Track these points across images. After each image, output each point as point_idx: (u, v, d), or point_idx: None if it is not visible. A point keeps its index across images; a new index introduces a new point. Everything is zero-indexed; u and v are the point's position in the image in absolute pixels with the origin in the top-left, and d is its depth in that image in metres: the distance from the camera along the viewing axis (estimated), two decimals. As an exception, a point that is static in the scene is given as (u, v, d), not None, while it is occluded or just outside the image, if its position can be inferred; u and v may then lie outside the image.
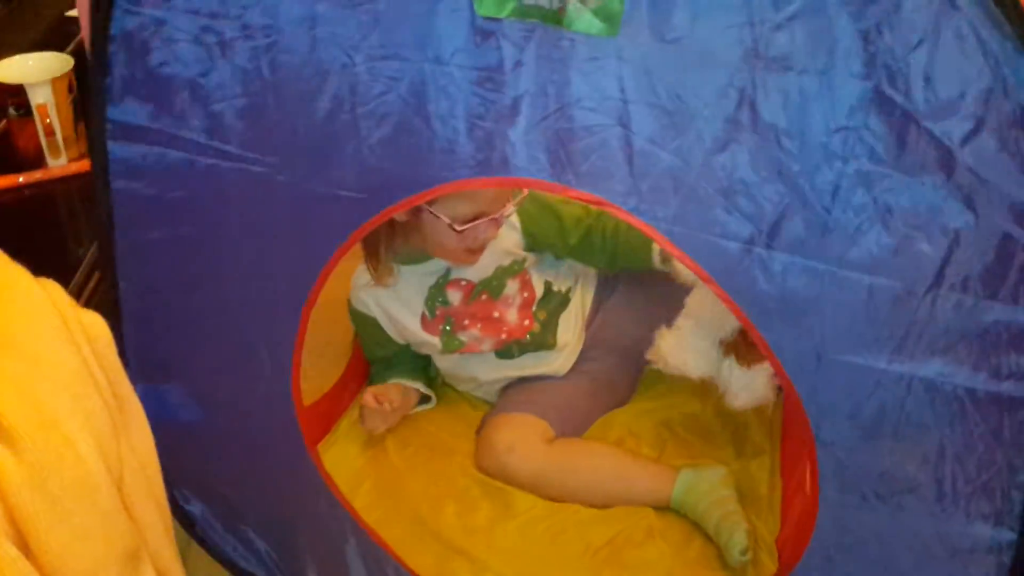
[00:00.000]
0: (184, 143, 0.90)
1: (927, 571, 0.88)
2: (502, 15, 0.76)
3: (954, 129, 0.72)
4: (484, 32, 0.77)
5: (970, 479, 0.83)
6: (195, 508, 1.15)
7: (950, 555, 0.86)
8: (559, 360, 1.39)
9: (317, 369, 1.29)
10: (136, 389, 1.02)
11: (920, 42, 0.70)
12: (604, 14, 0.74)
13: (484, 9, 0.76)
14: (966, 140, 0.72)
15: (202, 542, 1.18)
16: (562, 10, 0.74)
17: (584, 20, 0.74)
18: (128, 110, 0.89)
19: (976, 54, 0.69)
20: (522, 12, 0.75)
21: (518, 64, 0.78)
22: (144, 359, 1.04)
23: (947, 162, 0.73)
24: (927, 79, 0.71)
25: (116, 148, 0.92)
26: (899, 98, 0.72)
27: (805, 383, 0.84)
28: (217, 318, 1.01)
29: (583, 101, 0.78)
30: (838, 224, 0.77)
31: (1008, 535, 0.83)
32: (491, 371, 1.37)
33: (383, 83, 0.82)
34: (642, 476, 1.27)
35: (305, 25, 0.81)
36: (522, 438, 1.28)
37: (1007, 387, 0.79)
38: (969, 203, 0.74)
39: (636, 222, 0.82)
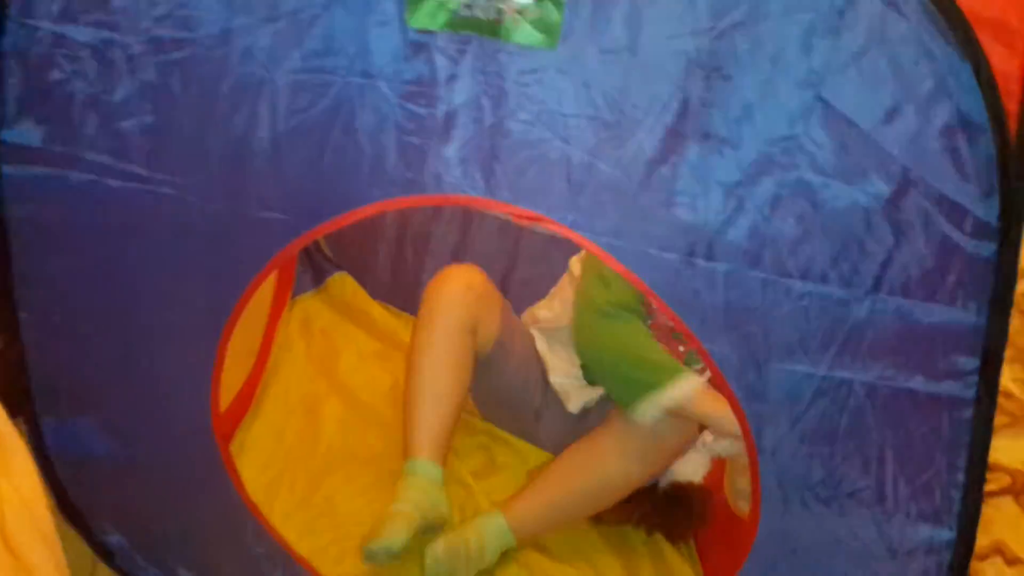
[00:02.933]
0: (87, 165, 0.83)
1: (869, 573, 0.89)
2: (435, 27, 0.72)
3: (896, 134, 0.72)
4: (416, 45, 0.74)
5: (911, 480, 0.84)
6: (114, 540, 1.08)
7: (892, 556, 0.87)
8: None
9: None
10: (45, 424, 0.96)
11: (864, 49, 0.70)
12: (543, 25, 0.71)
13: (416, 21, 0.72)
14: (907, 145, 0.72)
15: (123, 574, 1.11)
16: (499, 22, 0.71)
17: (522, 32, 0.71)
18: (24, 131, 0.82)
19: (920, 61, 0.69)
20: (457, 24, 0.72)
21: (452, 78, 0.75)
22: (52, 392, 0.96)
23: (888, 168, 0.73)
24: (869, 84, 0.71)
25: (11, 171, 0.84)
26: (841, 106, 0.72)
27: (747, 392, 0.84)
28: (130, 347, 0.94)
29: (520, 115, 0.75)
30: (779, 233, 0.77)
31: (947, 534, 0.85)
32: None
33: (305, 99, 0.77)
34: None
35: (220, 39, 0.76)
36: None
37: (946, 387, 0.80)
38: (909, 208, 0.74)
39: (574, 236, 0.80)
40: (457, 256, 1.48)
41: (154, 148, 0.82)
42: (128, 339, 0.93)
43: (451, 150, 0.77)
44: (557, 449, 1.26)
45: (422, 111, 0.76)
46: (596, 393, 1.28)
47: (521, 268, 1.49)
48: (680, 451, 1.20)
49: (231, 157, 0.81)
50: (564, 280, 1.32)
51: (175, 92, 0.78)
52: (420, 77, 0.75)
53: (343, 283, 1.52)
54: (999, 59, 0.69)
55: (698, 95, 0.73)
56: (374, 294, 1.52)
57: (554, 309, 1.31)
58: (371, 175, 0.80)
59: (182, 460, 0.99)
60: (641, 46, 0.72)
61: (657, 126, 0.74)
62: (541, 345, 1.30)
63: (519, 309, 1.35)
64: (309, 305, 1.49)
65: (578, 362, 1.27)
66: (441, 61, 0.74)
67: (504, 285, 1.47)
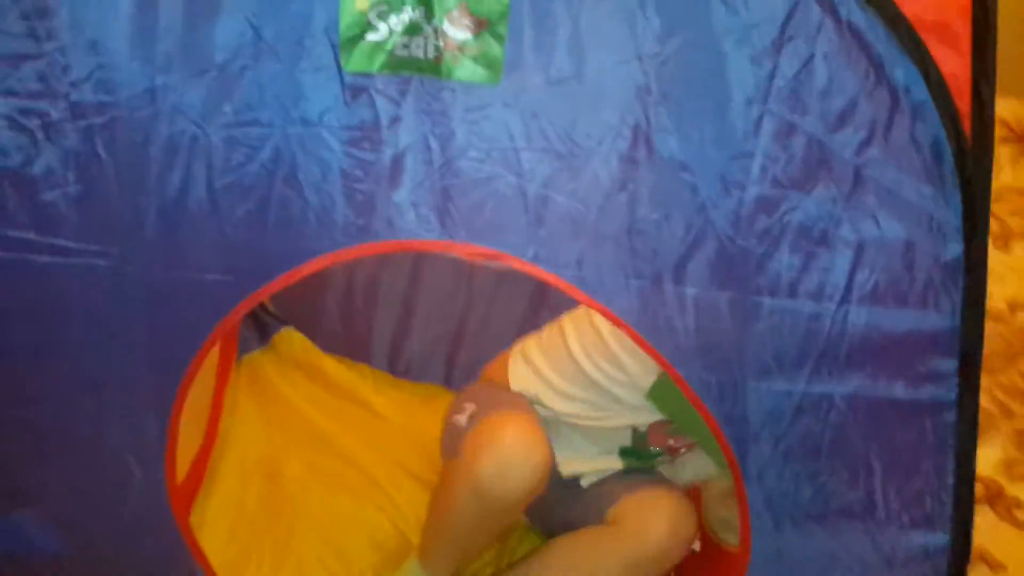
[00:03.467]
0: (9, 242, 0.78)
1: (866, 586, 0.87)
2: (373, 70, 0.69)
3: (849, 140, 0.71)
4: (355, 89, 0.70)
5: (900, 489, 0.82)
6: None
7: (888, 567, 0.85)
8: None
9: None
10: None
11: (809, 57, 0.68)
12: (485, 61, 0.68)
13: (352, 65, 0.69)
14: (861, 149, 0.71)
15: None
16: (439, 59, 0.68)
17: (464, 68, 0.69)
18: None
19: (866, 65, 0.68)
20: (395, 65, 0.69)
21: (395, 120, 0.71)
22: (-14, 490, 0.90)
23: (844, 174, 0.72)
24: (819, 93, 0.69)
25: (-74, 257, 0.78)
26: (792, 117, 0.70)
27: (727, 416, 0.81)
28: (71, 432, 0.88)
29: (470, 152, 0.72)
30: (744, 251, 0.75)
31: (941, 538, 0.83)
32: None
33: (243, 153, 0.73)
34: None
35: (146, 99, 0.71)
36: None
37: (926, 391, 0.78)
38: (869, 212, 0.73)
39: (537, 271, 0.77)
40: (409, 302, 1.44)
41: (83, 219, 0.77)
42: (68, 424, 0.87)
43: (402, 194, 0.74)
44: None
45: (368, 156, 0.73)
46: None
47: (478, 306, 1.45)
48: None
49: (167, 221, 0.76)
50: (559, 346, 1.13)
51: (101, 158, 0.74)
52: (362, 122, 0.72)
53: (291, 338, 1.46)
54: (946, 61, 0.69)
55: (649, 120, 0.71)
56: (325, 347, 1.46)
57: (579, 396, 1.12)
58: (319, 227, 0.76)
59: (140, 545, 0.93)
60: (587, 74, 0.69)
61: (611, 154, 0.72)
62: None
63: (479, 348, 1.31)
64: (257, 364, 1.43)
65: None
66: (382, 104, 0.71)
67: (461, 326, 1.43)
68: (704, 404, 0.81)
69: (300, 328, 1.47)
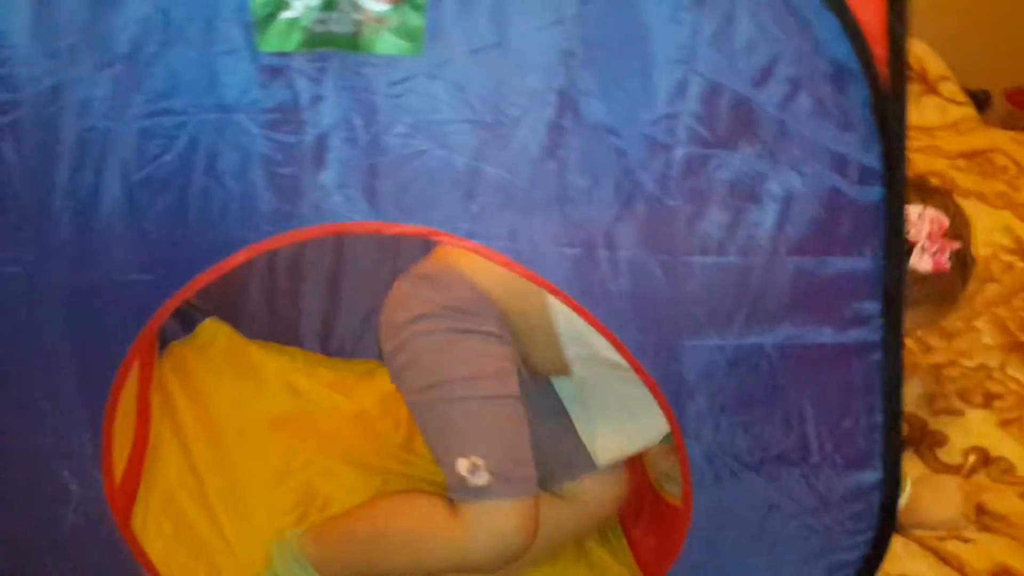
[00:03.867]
0: (-88, 255, 0.74)
1: (805, 528, 0.90)
2: (290, 48, 0.67)
3: (772, 95, 0.72)
4: (271, 69, 0.68)
5: (832, 431, 0.85)
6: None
7: (825, 507, 0.88)
8: None
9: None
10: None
11: (730, 15, 0.69)
12: (405, 32, 0.67)
13: (267, 45, 0.67)
14: (784, 103, 0.72)
15: None
16: (358, 34, 0.67)
17: (384, 41, 0.67)
18: None
19: (786, 17, 0.69)
20: (312, 42, 0.67)
21: (317, 99, 0.70)
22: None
23: (769, 129, 0.73)
24: (742, 50, 0.70)
25: None
26: (716, 75, 0.71)
27: (664, 375, 0.83)
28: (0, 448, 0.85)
29: (396, 128, 0.71)
30: (674, 212, 0.76)
31: (874, 475, 0.86)
32: None
33: (158, 144, 0.71)
34: None
35: (51, 95, 0.68)
36: None
37: (853, 335, 0.81)
38: (794, 164, 0.74)
39: (470, 245, 0.76)
40: (334, 280, 1.41)
41: (-11, 225, 0.73)
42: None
43: (327, 176, 0.72)
44: None
45: (290, 139, 0.71)
46: None
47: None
48: None
49: (82, 222, 0.73)
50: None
51: (8, 160, 0.70)
52: (281, 104, 0.70)
53: (214, 329, 1.43)
54: (860, 8, 0.70)
55: (575, 85, 0.70)
56: (252, 334, 1.43)
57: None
58: (242, 216, 0.74)
59: (83, 556, 0.90)
60: (510, 41, 0.69)
61: (538, 122, 0.71)
62: None
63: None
64: (180, 357, 1.39)
65: None
66: (302, 83, 0.69)
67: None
68: (641, 364, 0.82)
69: (224, 316, 1.43)
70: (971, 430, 1.26)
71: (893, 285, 0.78)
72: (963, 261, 1.05)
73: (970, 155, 2.02)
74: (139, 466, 1.21)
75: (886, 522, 0.88)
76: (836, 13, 0.68)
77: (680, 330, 0.81)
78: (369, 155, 0.72)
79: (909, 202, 0.80)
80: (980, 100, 2.70)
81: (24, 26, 0.67)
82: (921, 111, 2.31)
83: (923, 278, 1.01)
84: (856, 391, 0.83)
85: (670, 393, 0.84)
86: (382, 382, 1.33)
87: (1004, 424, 1.26)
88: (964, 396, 1.31)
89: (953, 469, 1.21)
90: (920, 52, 2.44)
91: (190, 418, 1.31)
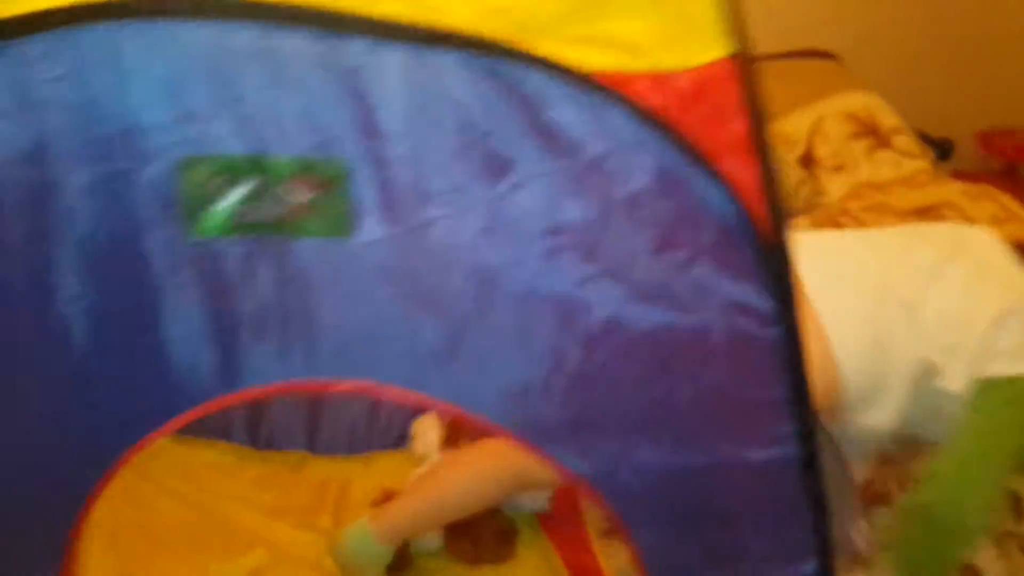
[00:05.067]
0: None
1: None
2: (221, 234, 0.74)
3: (675, 258, 0.80)
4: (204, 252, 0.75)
5: (770, 534, 0.92)
6: None
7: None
8: None
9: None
10: None
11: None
12: (332, 216, 0.74)
13: (200, 232, 0.74)
14: (687, 264, 0.80)
15: None
16: (285, 219, 0.74)
17: (311, 224, 0.74)
18: None
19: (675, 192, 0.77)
20: (243, 229, 0.74)
21: (248, 275, 0.77)
22: None
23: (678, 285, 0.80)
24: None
25: None
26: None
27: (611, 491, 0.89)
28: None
29: (327, 299, 0.78)
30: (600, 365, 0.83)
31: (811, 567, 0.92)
32: None
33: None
34: None
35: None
36: None
37: (774, 452, 0.87)
38: (703, 315, 0.82)
39: (411, 398, 0.83)
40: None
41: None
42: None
43: (268, 345, 0.79)
44: None
45: (226, 312, 0.77)
46: None
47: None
48: None
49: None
50: None
51: None
52: (216, 282, 0.76)
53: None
54: (738, 173, 0.76)
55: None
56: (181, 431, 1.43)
57: None
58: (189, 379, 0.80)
59: None
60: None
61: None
62: None
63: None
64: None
65: None
66: (234, 265, 0.76)
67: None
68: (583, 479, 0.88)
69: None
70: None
71: (804, 411, 0.85)
72: None
73: (921, 211, 2.07)
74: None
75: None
76: (718, 180, 0.75)
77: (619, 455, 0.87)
78: (306, 322, 0.78)
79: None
80: (943, 148, 2.75)
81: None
82: (875, 166, 2.36)
83: None
84: (784, 499, 0.89)
85: (617, 506, 0.90)
86: (312, 473, 1.38)
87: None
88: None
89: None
90: (872, 106, 2.49)
91: (120, 527, 1.31)
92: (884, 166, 2.37)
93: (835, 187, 2.33)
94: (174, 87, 0.71)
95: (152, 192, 0.73)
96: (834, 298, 1.14)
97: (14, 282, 0.75)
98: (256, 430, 1.50)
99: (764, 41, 2.59)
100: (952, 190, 2.15)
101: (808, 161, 2.39)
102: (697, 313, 0.80)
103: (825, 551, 0.92)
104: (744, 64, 0.74)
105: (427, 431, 1.47)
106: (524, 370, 0.82)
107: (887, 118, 2.48)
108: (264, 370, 0.80)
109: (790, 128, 2.42)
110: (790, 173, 2.28)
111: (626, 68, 0.73)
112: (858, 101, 2.51)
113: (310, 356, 0.80)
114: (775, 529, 0.92)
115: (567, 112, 0.73)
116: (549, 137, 0.73)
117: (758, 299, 0.80)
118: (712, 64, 0.74)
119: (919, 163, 2.40)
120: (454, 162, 0.74)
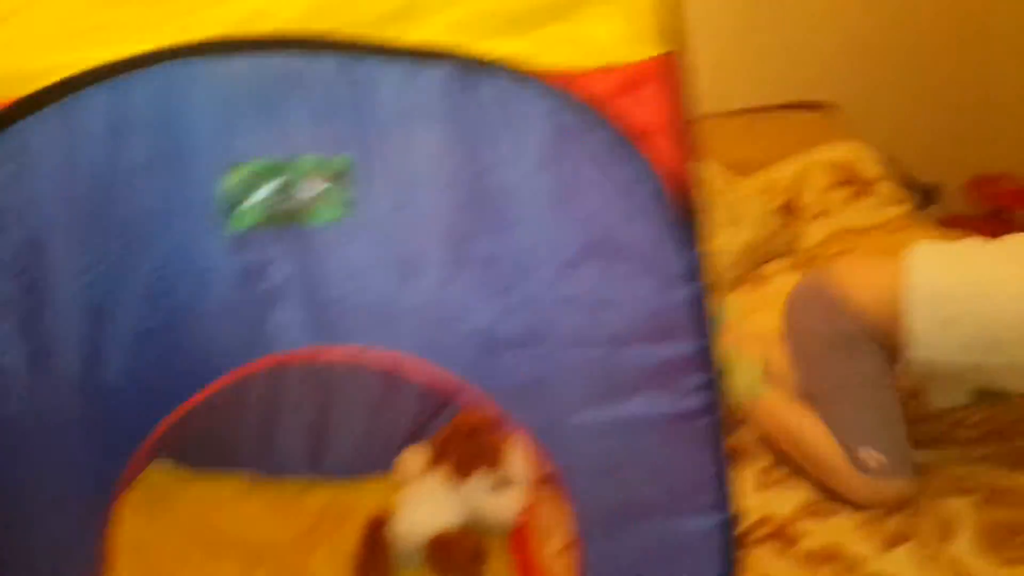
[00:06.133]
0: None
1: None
2: (251, 224, 0.96)
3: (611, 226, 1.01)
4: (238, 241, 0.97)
5: (686, 483, 1.07)
6: None
7: (688, 550, 1.08)
8: None
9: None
10: None
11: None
12: (339, 202, 0.96)
13: (236, 224, 0.96)
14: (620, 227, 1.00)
15: None
16: (303, 210, 0.95)
17: (323, 212, 0.96)
18: None
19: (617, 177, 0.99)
20: (268, 220, 0.96)
21: (273, 259, 0.98)
22: None
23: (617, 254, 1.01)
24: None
25: None
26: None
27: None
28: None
29: (335, 273, 0.99)
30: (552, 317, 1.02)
31: (721, 516, 1.06)
32: None
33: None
34: None
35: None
36: None
37: (687, 403, 1.03)
38: (628, 278, 1.02)
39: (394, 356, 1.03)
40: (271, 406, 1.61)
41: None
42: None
43: (281, 316, 0.99)
44: None
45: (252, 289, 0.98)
46: None
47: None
48: None
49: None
50: None
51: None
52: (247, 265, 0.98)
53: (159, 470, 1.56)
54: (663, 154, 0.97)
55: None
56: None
57: None
58: (220, 349, 1.00)
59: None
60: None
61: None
62: None
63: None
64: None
65: None
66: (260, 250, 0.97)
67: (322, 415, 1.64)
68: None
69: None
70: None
71: (713, 362, 1.03)
72: None
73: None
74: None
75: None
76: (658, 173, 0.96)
77: (562, 410, 1.04)
78: (314, 297, 0.99)
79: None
80: (929, 193, 2.89)
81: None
82: (855, 212, 2.51)
83: None
84: (696, 446, 1.05)
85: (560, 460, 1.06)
86: (315, 500, 1.49)
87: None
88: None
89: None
90: (857, 155, 2.65)
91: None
92: (864, 212, 2.51)
93: (814, 232, 2.48)
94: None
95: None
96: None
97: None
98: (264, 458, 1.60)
99: (762, 93, 2.86)
100: (929, 235, 2.26)
101: (790, 209, 2.55)
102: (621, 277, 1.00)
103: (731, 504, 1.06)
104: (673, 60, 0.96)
105: (410, 458, 1.59)
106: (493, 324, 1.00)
107: (870, 167, 2.64)
108: (281, 339, 1.00)
109: (777, 175, 2.59)
110: (769, 221, 2.44)
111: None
112: (844, 151, 2.68)
113: (323, 325, 1.00)
114: (692, 480, 1.06)
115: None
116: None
117: (676, 261, 0.99)
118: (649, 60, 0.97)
119: (899, 210, 2.54)
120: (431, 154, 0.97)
